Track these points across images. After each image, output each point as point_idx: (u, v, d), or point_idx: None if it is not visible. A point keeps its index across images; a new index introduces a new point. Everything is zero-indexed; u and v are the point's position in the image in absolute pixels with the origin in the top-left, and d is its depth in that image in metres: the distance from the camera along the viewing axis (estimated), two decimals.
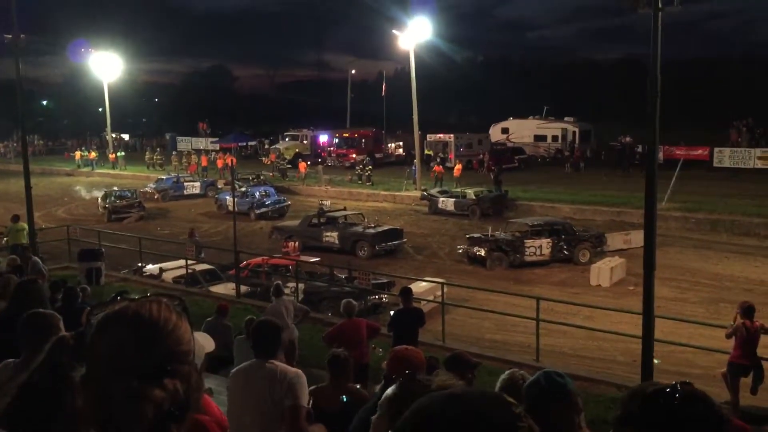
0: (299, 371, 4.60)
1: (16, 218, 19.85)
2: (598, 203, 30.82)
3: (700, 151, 44.68)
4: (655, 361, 11.98)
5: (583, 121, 54.47)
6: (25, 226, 19.67)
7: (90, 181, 47.84)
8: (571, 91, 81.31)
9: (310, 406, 4.75)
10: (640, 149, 40.49)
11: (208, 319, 10.68)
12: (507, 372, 4.60)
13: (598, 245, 22.71)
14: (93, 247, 19.47)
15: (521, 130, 54.29)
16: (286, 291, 16.80)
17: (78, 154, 56.48)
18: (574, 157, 46.64)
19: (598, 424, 3.62)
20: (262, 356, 4.62)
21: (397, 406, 2.13)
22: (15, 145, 59.83)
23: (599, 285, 19.66)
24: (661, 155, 39.55)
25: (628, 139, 47.20)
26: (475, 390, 1.23)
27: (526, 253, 22.00)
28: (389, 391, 3.52)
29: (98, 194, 35.69)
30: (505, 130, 55.68)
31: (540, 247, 22.09)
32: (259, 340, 4.72)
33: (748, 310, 10.22)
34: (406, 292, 11.32)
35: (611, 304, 16.53)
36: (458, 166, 39.58)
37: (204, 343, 2.61)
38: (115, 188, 35.91)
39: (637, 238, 20.16)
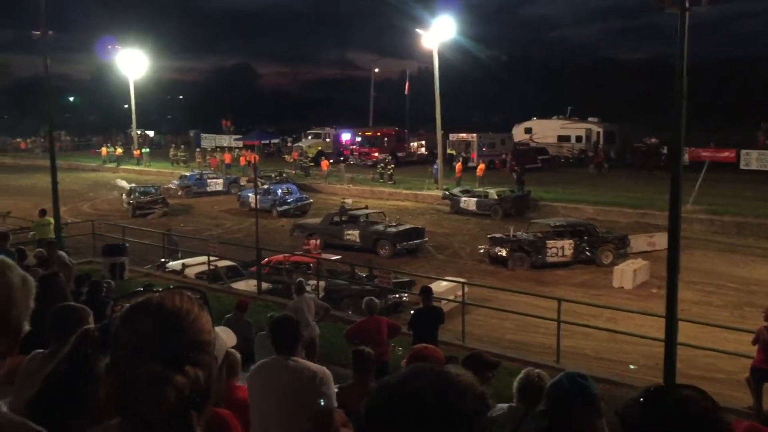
0: (326, 369, 4.55)
1: (43, 213, 20.12)
2: (621, 205, 30.54)
3: (726, 153, 44.14)
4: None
5: (607, 121, 54.02)
6: (52, 220, 19.92)
7: (117, 176, 48.38)
8: (595, 91, 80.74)
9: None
10: (665, 150, 40.05)
11: (228, 315, 10.75)
12: (523, 371, 4.60)
13: (621, 247, 22.51)
14: (117, 243, 19.69)
15: (545, 131, 53.94)
16: (307, 288, 16.91)
17: (104, 150, 57.16)
18: (597, 158, 46.27)
19: (619, 427, 3.60)
20: (284, 352, 4.58)
21: None
22: (42, 140, 60.71)
23: (622, 287, 19.48)
24: (687, 157, 39.15)
25: (653, 140, 46.73)
26: (441, 369, 1.28)
27: (548, 254, 21.86)
28: None
29: (123, 187, 36.10)
30: (528, 130, 55.39)
31: (562, 248, 21.94)
32: (280, 336, 4.68)
33: None
34: (426, 291, 11.32)
35: (634, 307, 16.36)
36: (481, 166, 39.50)
37: (225, 337, 2.62)
38: (127, 184, 36.21)
39: (662, 240, 19.93)
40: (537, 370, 4.70)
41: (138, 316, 1.40)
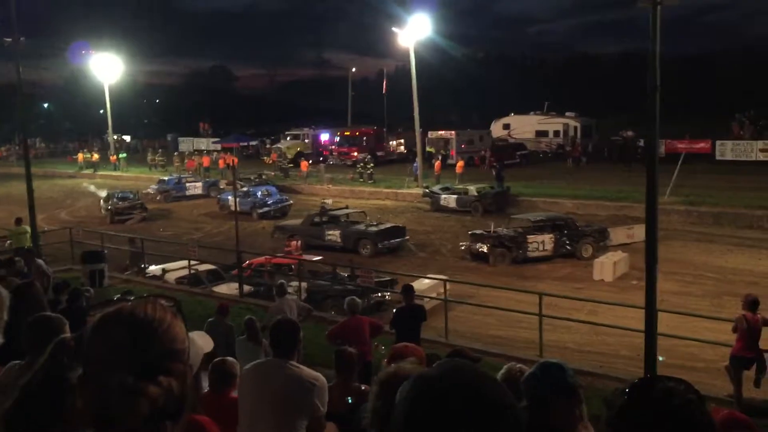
0: (321, 376, 4.52)
1: (19, 221, 19.90)
2: (600, 198, 30.77)
3: (702, 145, 44.67)
4: (660, 358, 12.01)
5: (584, 116, 54.44)
6: (28, 229, 19.72)
7: (93, 183, 47.91)
8: (572, 86, 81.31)
9: None
10: (642, 143, 40.44)
11: (210, 319, 10.69)
12: (505, 366, 4.62)
13: (601, 240, 22.69)
14: (96, 249, 19.51)
15: (522, 126, 54.29)
16: (289, 290, 16.86)
17: (80, 156, 56.56)
18: (575, 152, 46.61)
19: (605, 419, 3.62)
20: (282, 356, 4.54)
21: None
22: (17, 148, 59.96)
23: (602, 280, 19.64)
24: (663, 149, 39.57)
25: (629, 133, 47.18)
26: (476, 367, 1.29)
27: (529, 249, 21.98)
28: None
29: (101, 195, 35.77)
30: (506, 126, 55.70)
31: (543, 242, 22.07)
32: (278, 340, 4.64)
33: (752, 304, 10.21)
34: (408, 290, 11.34)
35: (615, 299, 16.48)
36: (460, 163, 39.62)
37: (202, 343, 2.61)
38: (96, 190, 35.87)
39: (640, 232, 20.08)
40: (519, 365, 4.71)
41: (110, 325, 1.37)
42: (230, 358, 5.50)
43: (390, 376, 2.30)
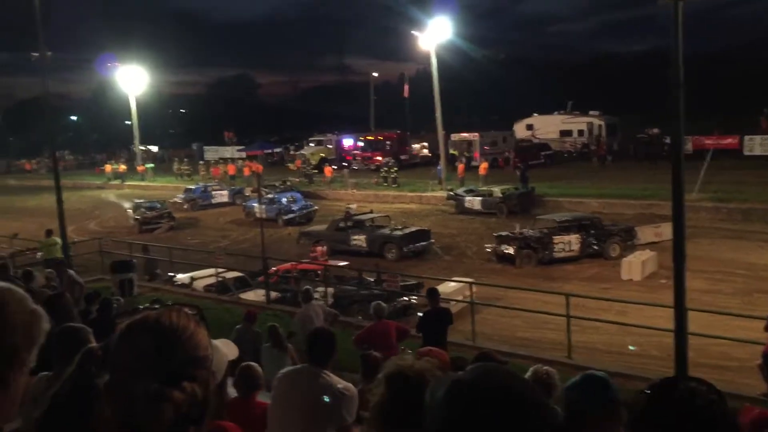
0: (352, 387, 4.56)
1: (49, 233, 20.22)
2: (626, 197, 30.45)
3: (729, 140, 43.97)
4: (631, 347, 11.93)
5: (608, 114, 53.93)
6: (59, 240, 20.02)
7: (121, 193, 48.58)
8: (595, 84, 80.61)
9: None
10: (668, 140, 39.93)
11: (237, 326, 10.76)
12: (531, 368, 4.59)
13: (628, 239, 22.45)
14: (125, 259, 19.76)
15: (546, 126, 53.92)
16: (316, 295, 16.92)
17: (108, 167, 57.35)
18: (600, 151, 46.19)
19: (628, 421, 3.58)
20: (316, 365, 4.58)
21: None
22: (47, 161, 60.99)
23: (631, 279, 19.43)
24: (690, 145, 39.09)
25: (655, 130, 46.62)
26: (508, 369, 1.30)
27: (555, 250, 21.82)
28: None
29: (128, 205, 36.25)
30: (529, 127, 55.37)
31: (569, 242, 21.90)
32: (315, 348, 4.68)
33: None
34: (433, 293, 11.33)
35: (643, 299, 16.30)
36: (484, 165, 39.43)
37: (226, 350, 2.64)
38: (138, 200, 36.29)
39: (668, 230, 19.79)
40: (545, 367, 4.71)
41: (135, 333, 1.41)
42: (254, 364, 5.54)
43: (395, 372, 2.31)
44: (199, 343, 1.44)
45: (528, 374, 4.61)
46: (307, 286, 12.82)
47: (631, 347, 13.19)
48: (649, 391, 1.56)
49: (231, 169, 48.95)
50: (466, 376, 1.29)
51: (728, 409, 1.53)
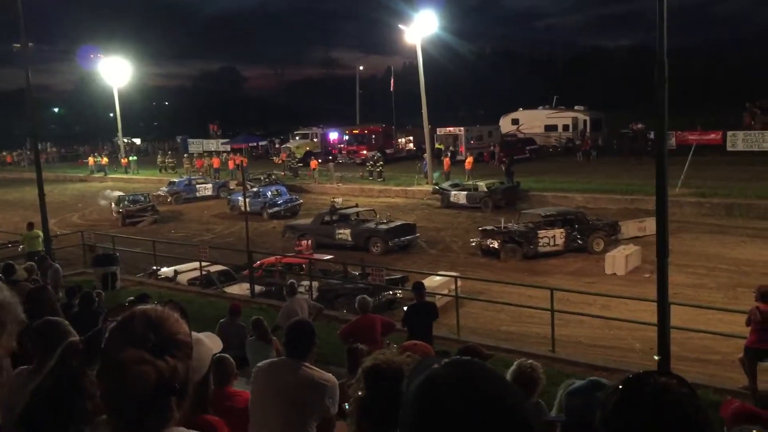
0: (333, 378, 4.55)
1: (31, 226, 20.03)
2: (611, 191, 30.62)
3: (713, 136, 44.40)
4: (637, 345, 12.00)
5: (593, 109, 54.18)
6: (40, 233, 19.85)
7: (104, 186, 48.19)
8: (581, 79, 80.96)
9: None
10: (652, 136, 40.21)
11: (222, 320, 10.71)
12: (515, 363, 4.60)
13: (612, 234, 22.58)
14: (108, 252, 19.61)
15: (531, 121, 54.11)
16: (301, 289, 16.89)
17: (91, 159, 56.87)
18: (585, 146, 46.42)
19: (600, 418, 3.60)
20: (296, 356, 4.54)
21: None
22: (28, 153, 60.38)
23: (614, 273, 19.54)
24: (673, 141, 39.43)
25: (639, 126, 46.94)
26: (483, 365, 1.28)
27: (540, 244, 21.91)
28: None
29: (104, 200, 35.99)
30: (515, 121, 55.53)
31: (553, 237, 21.99)
32: (294, 340, 4.65)
33: (765, 295, 10.11)
34: (418, 287, 11.33)
35: (627, 293, 16.42)
36: (469, 159, 39.47)
37: (210, 343, 2.62)
38: (114, 193, 36.02)
39: (652, 225, 19.99)
40: (530, 361, 4.72)
41: (128, 318, 1.66)
42: (226, 356, 5.51)
43: (373, 367, 2.30)
44: (180, 329, 1.69)
45: (513, 368, 4.62)
46: (292, 280, 12.78)
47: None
48: (619, 388, 1.55)
49: (215, 162, 48.71)
50: (439, 370, 1.28)
51: (700, 403, 1.53)
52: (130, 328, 1.62)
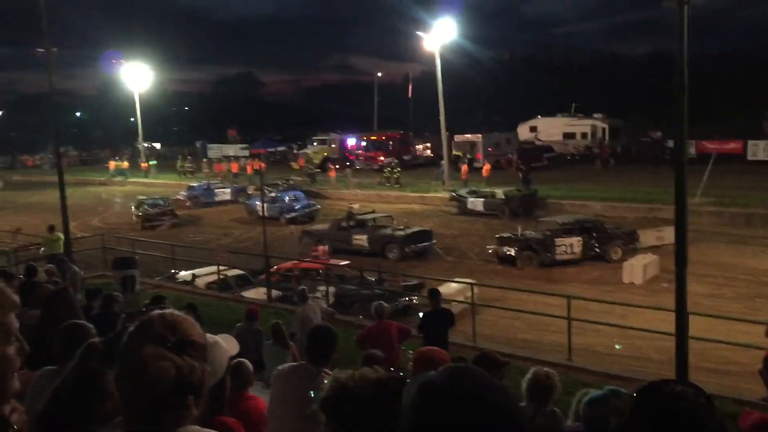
0: None
1: (52, 229, 20.26)
2: (629, 200, 30.44)
3: (733, 145, 43.99)
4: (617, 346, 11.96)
5: (612, 117, 53.88)
6: (61, 236, 20.06)
7: (124, 190, 48.64)
8: (599, 87, 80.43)
9: None
10: (670, 144, 39.90)
11: (239, 324, 10.77)
12: (531, 370, 4.60)
13: (630, 242, 22.43)
14: (127, 255, 19.78)
15: (549, 129, 53.94)
16: (317, 294, 16.94)
17: (112, 164, 57.45)
18: (603, 154, 46.16)
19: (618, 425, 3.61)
20: (316, 362, 4.56)
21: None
22: (50, 156, 61.12)
23: (632, 283, 19.42)
24: (693, 150, 39.09)
25: (658, 134, 46.61)
26: (477, 371, 1.31)
27: (557, 252, 21.81)
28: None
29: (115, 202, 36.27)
30: (533, 129, 55.40)
31: (571, 245, 21.89)
32: (315, 346, 4.66)
33: None
34: (434, 294, 11.33)
35: (645, 302, 16.30)
36: (487, 166, 39.44)
37: (227, 345, 2.66)
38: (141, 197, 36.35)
39: (670, 234, 19.67)
40: (545, 369, 4.72)
41: (147, 322, 1.71)
42: (245, 360, 5.54)
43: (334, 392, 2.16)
44: (194, 330, 1.74)
45: (528, 376, 4.62)
46: (302, 287, 12.77)
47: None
48: (635, 396, 1.56)
49: (234, 167, 49.01)
50: (435, 378, 1.30)
51: (716, 411, 1.53)
52: (149, 329, 1.67)
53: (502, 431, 1.23)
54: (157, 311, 1.76)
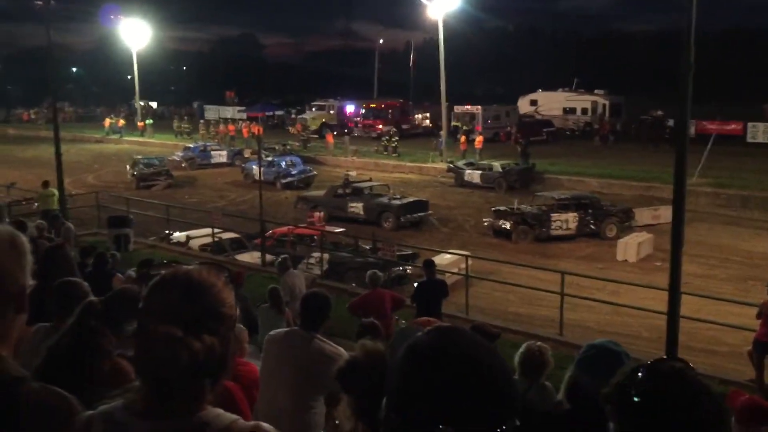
0: (344, 352, 4.56)
1: (46, 184, 20.17)
2: (627, 178, 30.43)
3: (733, 126, 43.88)
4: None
5: (614, 94, 53.61)
6: (55, 192, 19.99)
7: (119, 148, 48.36)
8: (602, 63, 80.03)
9: None
10: (671, 123, 39.79)
11: None
12: (524, 345, 4.60)
13: (625, 220, 22.47)
14: (121, 214, 19.74)
15: (550, 103, 53.63)
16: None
17: (107, 121, 57.00)
18: (603, 131, 46.00)
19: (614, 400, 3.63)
20: (309, 328, 4.55)
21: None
22: (45, 111, 60.61)
23: (626, 260, 19.50)
24: (693, 130, 38.94)
25: (659, 113, 46.43)
26: (465, 332, 1.31)
27: (552, 227, 21.85)
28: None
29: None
30: (533, 103, 55.08)
31: (566, 221, 21.91)
32: (308, 312, 4.65)
33: None
34: (429, 264, 11.34)
35: (637, 280, 16.36)
36: (479, 138, 39.01)
37: None
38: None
39: (666, 213, 19.89)
40: (538, 344, 4.71)
41: (167, 284, 1.51)
42: (240, 326, 5.53)
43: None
44: (224, 300, 1.53)
45: (521, 350, 4.62)
46: (284, 255, 12.58)
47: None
48: (638, 371, 1.54)
49: (231, 130, 48.70)
50: (422, 337, 1.30)
51: (714, 394, 1.50)
52: (169, 293, 1.49)
53: (489, 390, 1.22)
54: (185, 269, 1.57)
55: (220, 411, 1.53)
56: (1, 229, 1.63)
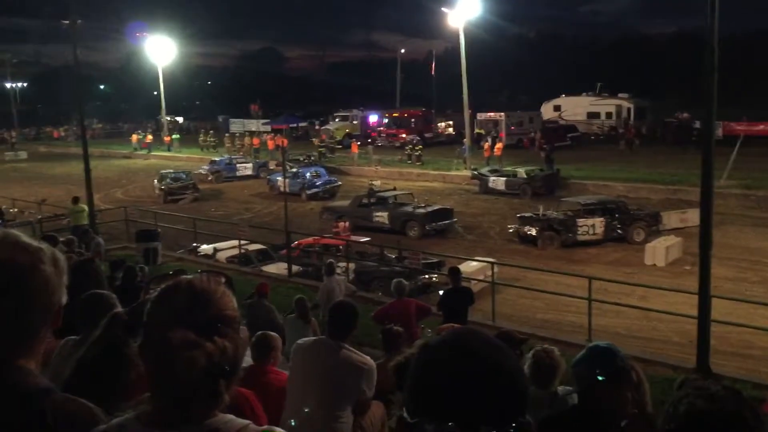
0: (371, 361, 4.57)
1: (76, 200, 20.51)
2: (653, 181, 30.09)
3: (761, 127, 43.24)
4: None
5: (638, 97, 53.09)
6: (85, 207, 20.31)
7: (147, 163, 48.99)
8: (625, 66, 79.32)
9: None
10: (697, 125, 39.29)
11: (249, 300, 10.65)
12: (530, 352, 4.51)
13: (653, 224, 22.21)
14: (150, 228, 19.97)
15: (574, 108, 53.26)
16: (338, 271, 17.00)
17: (134, 137, 57.81)
18: (628, 135, 45.56)
19: (654, 405, 3.60)
20: (337, 337, 4.56)
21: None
22: (75, 129, 61.63)
23: (654, 264, 19.26)
24: (720, 131, 38.45)
25: (685, 115, 45.90)
26: (480, 333, 1.35)
27: (579, 233, 21.66)
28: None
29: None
30: (557, 108, 54.74)
31: (593, 226, 21.72)
32: (336, 321, 4.66)
33: None
34: (455, 272, 11.31)
35: (666, 284, 16.17)
36: (498, 145, 38.75)
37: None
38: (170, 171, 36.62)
39: (694, 216, 19.59)
40: (544, 347, 4.57)
41: (171, 294, 1.55)
42: (272, 333, 5.56)
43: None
44: (227, 304, 1.58)
45: (529, 360, 4.50)
46: (330, 260, 12.86)
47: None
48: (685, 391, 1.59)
49: (255, 142, 49.11)
50: (436, 337, 1.34)
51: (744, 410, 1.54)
52: (174, 302, 1.52)
53: (500, 388, 1.23)
54: (185, 278, 1.61)
55: (232, 416, 1.56)
56: (45, 248, 1.66)
